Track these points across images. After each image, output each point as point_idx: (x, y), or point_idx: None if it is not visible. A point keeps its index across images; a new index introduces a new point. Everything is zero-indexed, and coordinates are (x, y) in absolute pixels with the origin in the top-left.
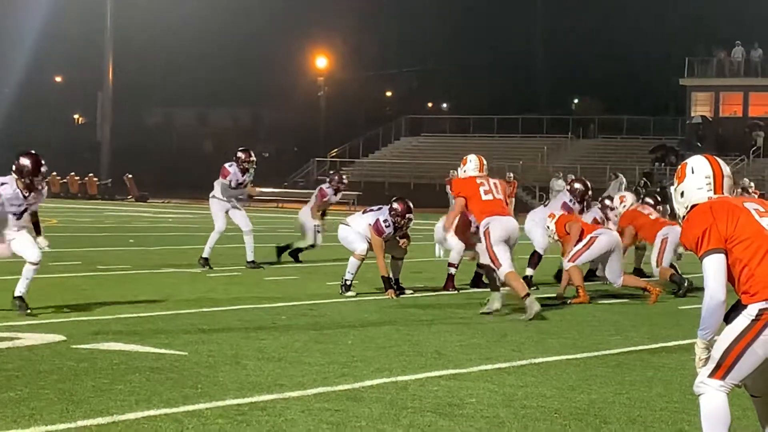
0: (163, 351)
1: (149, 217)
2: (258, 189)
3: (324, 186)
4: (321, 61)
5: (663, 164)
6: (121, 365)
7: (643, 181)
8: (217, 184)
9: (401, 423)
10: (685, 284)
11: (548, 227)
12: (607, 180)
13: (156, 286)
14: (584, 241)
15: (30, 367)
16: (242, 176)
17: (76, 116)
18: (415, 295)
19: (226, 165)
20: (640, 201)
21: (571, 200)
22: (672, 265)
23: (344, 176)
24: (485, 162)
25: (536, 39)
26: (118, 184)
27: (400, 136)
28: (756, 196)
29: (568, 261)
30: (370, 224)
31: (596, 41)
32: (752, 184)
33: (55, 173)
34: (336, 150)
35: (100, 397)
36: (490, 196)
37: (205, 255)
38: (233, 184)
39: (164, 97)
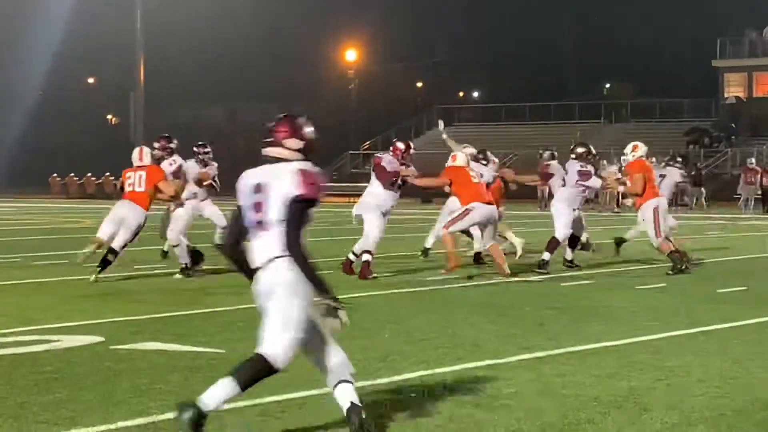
0: (201, 349)
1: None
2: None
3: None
4: (350, 54)
5: (697, 147)
6: (160, 365)
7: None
8: None
9: (441, 415)
10: (683, 267)
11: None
12: None
13: (192, 285)
14: (460, 211)
15: (68, 370)
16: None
17: (109, 117)
18: (449, 285)
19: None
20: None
21: (582, 165)
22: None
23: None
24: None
25: (566, 25)
26: None
27: (432, 126)
28: None
29: (443, 228)
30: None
31: (626, 25)
32: None
33: (90, 174)
34: (369, 142)
35: (140, 397)
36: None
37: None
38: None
39: (195, 95)
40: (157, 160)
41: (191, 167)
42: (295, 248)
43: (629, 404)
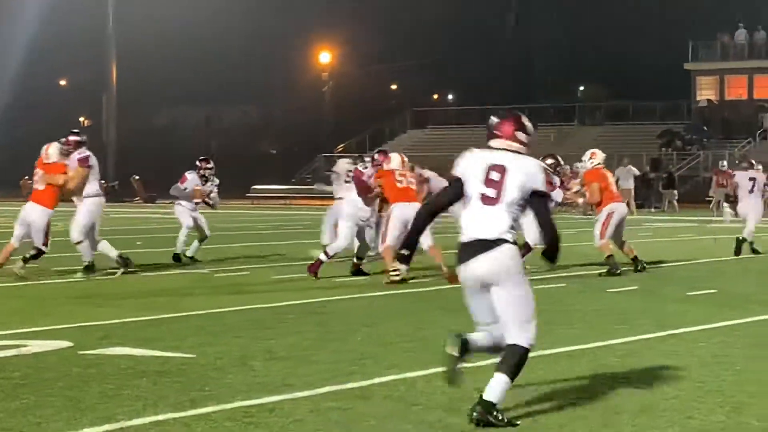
0: (170, 354)
1: (157, 218)
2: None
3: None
4: (325, 56)
5: (670, 149)
6: (129, 370)
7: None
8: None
9: (410, 420)
10: (617, 272)
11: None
12: (615, 167)
13: (163, 289)
14: (386, 220)
15: (36, 375)
16: (203, 185)
17: (82, 119)
18: (425, 289)
19: (186, 172)
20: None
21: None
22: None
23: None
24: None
25: (540, 27)
26: (125, 186)
27: (406, 128)
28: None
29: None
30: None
31: (600, 28)
32: (759, 166)
33: None
34: (343, 145)
35: (108, 403)
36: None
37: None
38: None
39: (169, 98)
40: (65, 155)
41: (192, 180)
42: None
43: (600, 408)
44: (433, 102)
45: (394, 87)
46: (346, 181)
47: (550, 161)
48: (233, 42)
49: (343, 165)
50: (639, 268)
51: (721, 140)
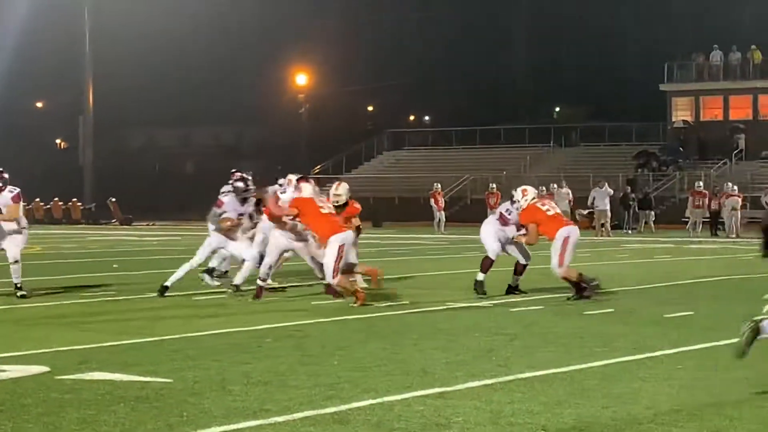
0: (148, 379)
1: (133, 240)
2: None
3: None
4: (301, 78)
5: (646, 170)
6: (107, 395)
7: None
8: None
9: None
10: (593, 283)
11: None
12: (591, 188)
13: (141, 312)
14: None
15: (13, 401)
16: (241, 206)
17: (58, 141)
18: (402, 312)
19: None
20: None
21: (508, 210)
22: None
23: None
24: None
25: (516, 49)
26: (102, 208)
27: (382, 150)
28: (739, 200)
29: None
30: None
31: (575, 49)
32: (735, 187)
33: (38, 199)
34: (319, 166)
35: (85, 429)
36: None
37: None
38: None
39: (146, 120)
40: None
41: (230, 204)
42: None
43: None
44: (410, 123)
45: (370, 108)
46: None
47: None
48: (210, 64)
49: (273, 188)
50: (574, 297)
51: (696, 161)
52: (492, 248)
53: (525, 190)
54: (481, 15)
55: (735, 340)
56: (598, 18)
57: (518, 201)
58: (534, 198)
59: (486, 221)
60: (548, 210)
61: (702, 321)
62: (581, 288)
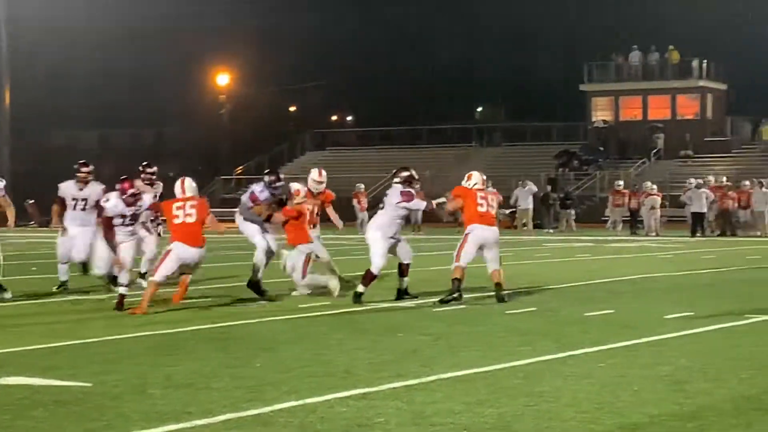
0: (67, 383)
1: (52, 243)
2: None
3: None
4: (222, 79)
5: (567, 170)
6: (24, 400)
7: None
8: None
9: None
10: (456, 295)
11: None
12: (513, 187)
13: (60, 315)
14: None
15: None
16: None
17: None
18: (327, 312)
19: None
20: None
21: (404, 191)
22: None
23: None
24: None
25: (438, 49)
26: (19, 210)
27: (305, 150)
28: (658, 198)
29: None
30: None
31: (496, 50)
32: (654, 186)
33: None
34: (241, 167)
35: None
36: None
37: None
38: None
39: (65, 121)
40: None
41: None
42: None
43: (499, 430)
44: (332, 124)
45: (292, 109)
46: None
47: (405, 174)
48: (130, 65)
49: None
50: (499, 298)
51: (616, 160)
52: (379, 261)
53: (470, 175)
54: (402, 15)
55: (654, 338)
56: (519, 18)
57: (462, 184)
58: (477, 184)
59: (372, 226)
60: (481, 205)
61: (622, 319)
62: (453, 291)
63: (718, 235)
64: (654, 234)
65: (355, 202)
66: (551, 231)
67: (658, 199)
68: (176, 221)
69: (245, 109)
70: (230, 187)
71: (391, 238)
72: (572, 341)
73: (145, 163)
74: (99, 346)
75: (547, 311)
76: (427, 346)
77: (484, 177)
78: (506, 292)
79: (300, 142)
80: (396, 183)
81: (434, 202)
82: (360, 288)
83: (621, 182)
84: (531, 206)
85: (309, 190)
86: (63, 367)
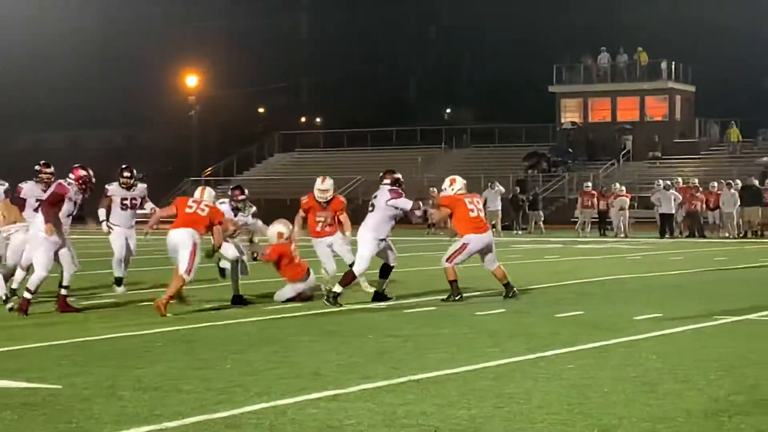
0: (36, 385)
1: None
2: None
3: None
4: (191, 80)
5: (536, 171)
6: None
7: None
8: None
9: None
10: (458, 297)
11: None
12: (482, 189)
13: (28, 317)
14: None
15: None
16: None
17: None
18: (295, 314)
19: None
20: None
21: (392, 189)
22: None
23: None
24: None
25: (406, 50)
26: None
27: (273, 152)
28: (627, 200)
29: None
30: None
31: (465, 51)
32: (623, 187)
33: None
34: (210, 169)
35: None
36: None
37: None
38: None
39: (32, 122)
40: None
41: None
42: None
43: None
44: (301, 125)
45: (261, 110)
46: None
47: (397, 175)
48: (99, 66)
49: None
50: (509, 294)
51: (585, 162)
52: (363, 264)
53: (453, 180)
54: (371, 16)
55: (624, 339)
56: (488, 20)
57: (445, 189)
58: (461, 189)
59: (365, 226)
60: (471, 210)
61: (592, 320)
62: (453, 291)
63: (687, 237)
64: (623, 235)
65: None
66: (520, 232)
67: (627, 201)
68: (188, 210)
69: (214, 111)
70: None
71: (382, 240)
72: (542, 343)
73: (42, 162)
74: (67, 349)
75: (516, 312)
76: (397, 347)
77: (464, 182)
78: (514, 289)
79: (268, 144)
80: (384, 184)
81: (420, 202)
82: (337, 288)
83: (590, 184)
84: (500, 208)
85: (316, 200)
86: (31, 369)
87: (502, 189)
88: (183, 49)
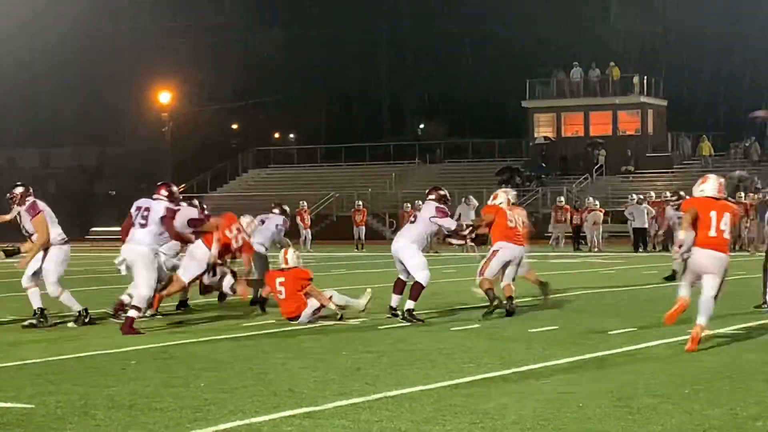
0: (8, 405)
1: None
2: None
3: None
4: (165, 96)
5: (509, 186)
6: None
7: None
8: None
9: None
10: (495, 303)
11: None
12: (456, 204)
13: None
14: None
15: None
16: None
17: None
18: (270, 331)
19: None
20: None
21: (439, 207)
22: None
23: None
24: None
25: (380, 66)
26: None
27: (247, 168)
28: (601, 214)
29: None
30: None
31: (439, 67)
32: (596, 202)
33: None
34: (184, 185)
35: None
36: None
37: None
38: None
39: (6, 141)
40: None
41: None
42: None
43: None
44: (275, 141)
45: (235, 126)
46: None
47: (443, 192)
48: (71, 83)
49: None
50: (509, 311)
51: (558, 176)
52: (425, 273)
53: (496, 194)
54: (344, 32)
55: (598, 354)
56: (461, 35)
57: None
58: (503, 202)
59: (411, 240)
60: (510, 221)
61: (566, 335)
62: (491, 300)
63: (660, 251)
64: (597, 249)
65: (298, 219)
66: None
67: (601, 215)
68: (226, 233)
69: (188, 127)
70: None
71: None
72: (516, 358)
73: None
74: (39, 367)
75: (490, 328)
76: (371, 364)
77: (506, 198)
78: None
79: (242, 160)
80: (431, 200)
81: (464, 224)
82: (410, 304)
83: (563, 198)
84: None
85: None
86: (3, 388)
87: (476, 203)
88: (156, 65)
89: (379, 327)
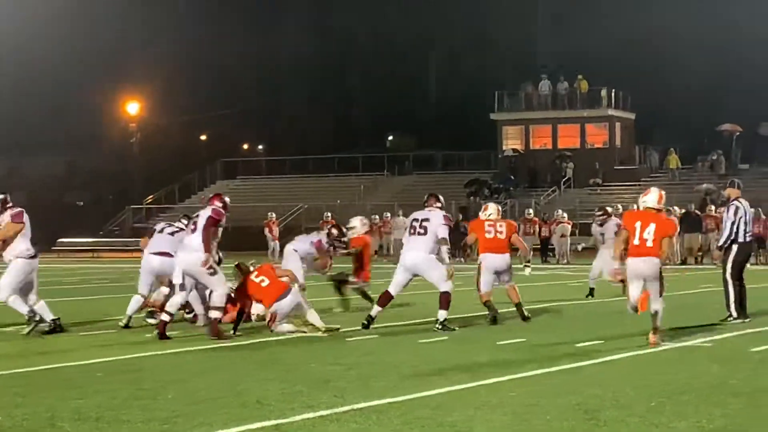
0: None
1: None
2: None
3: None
4: (132, 107)
5: (478, 198)
6: None
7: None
8: None
9: None
10: (495, 313)
11: None
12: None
13: None
14: None
15: None
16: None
17: None
18: (240, 342)
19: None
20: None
21: (446, 215)
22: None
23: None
24: None
25: (348, 78)
26: None
27: (215, 179)
28: (569, 226)
29: None
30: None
31: (407, 79)
32: (565, 214)
33: None
34: (152, 196)
35: None
36: None
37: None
38: None
39: None
40: None
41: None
42: None
43: None
44: (243, 152)
45: (203, 137)
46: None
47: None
48: (39, 93)
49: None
50: (523, 317)
51: (527, 189)
52: (448, 282)
53: (486, 207)
54: (313, 45)
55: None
56: (429, 47)
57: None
58: (491, 214)
59: (430, 251)
60: (488, 232)
61: (534, 348)
62: (491, 310)
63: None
64: (565, 261)
65: (266, 230)
66: (462, 260)
67: (569, 227)
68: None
69: (156, 138)
70: (140, 216)
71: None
72: (484, 370)
73: None
74: (6, 380)
75: (459, 340)
76: (340, 376)
77: (497, 209)
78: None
79: (210, 171)
80: (436, 207)
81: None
82: (443, 314)
83: (531, 210)
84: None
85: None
86: None
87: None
88: (124, 75)
89: (348, 339)
